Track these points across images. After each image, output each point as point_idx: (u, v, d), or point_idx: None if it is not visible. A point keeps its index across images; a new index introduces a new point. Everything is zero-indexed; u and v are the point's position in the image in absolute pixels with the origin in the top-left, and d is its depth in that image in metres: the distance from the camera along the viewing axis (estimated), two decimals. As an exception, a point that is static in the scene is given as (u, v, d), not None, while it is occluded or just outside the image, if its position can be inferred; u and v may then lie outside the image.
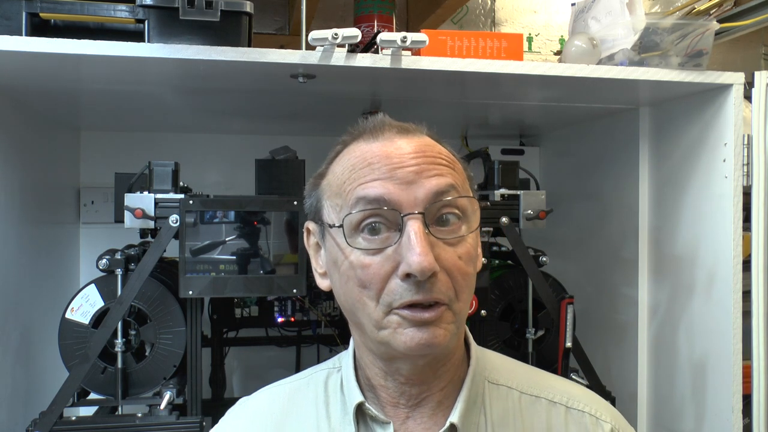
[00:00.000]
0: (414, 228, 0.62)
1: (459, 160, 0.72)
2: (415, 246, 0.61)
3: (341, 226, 0.65)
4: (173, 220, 1.08)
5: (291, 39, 1.74)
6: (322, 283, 0.72)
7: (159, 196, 1.10)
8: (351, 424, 0.70)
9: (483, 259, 1.16)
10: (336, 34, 0.95)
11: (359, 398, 0.70)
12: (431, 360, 0.67)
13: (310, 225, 0.73)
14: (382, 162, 0.65)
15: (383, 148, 0.67)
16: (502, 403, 0.72)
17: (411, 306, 0.63)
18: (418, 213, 0.63)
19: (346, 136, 0.72)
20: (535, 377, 0.77)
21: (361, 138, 0.70)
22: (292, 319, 1.48)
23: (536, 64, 1.07)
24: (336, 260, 0.67)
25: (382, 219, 0.64)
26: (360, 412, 0.70)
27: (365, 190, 0.65)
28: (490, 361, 0.76)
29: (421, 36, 0.98)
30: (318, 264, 0.73)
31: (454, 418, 0.68)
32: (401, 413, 0.70)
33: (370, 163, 0.66)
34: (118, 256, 1.13)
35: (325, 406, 0.73)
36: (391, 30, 1.36)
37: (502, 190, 1.23)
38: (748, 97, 1.13)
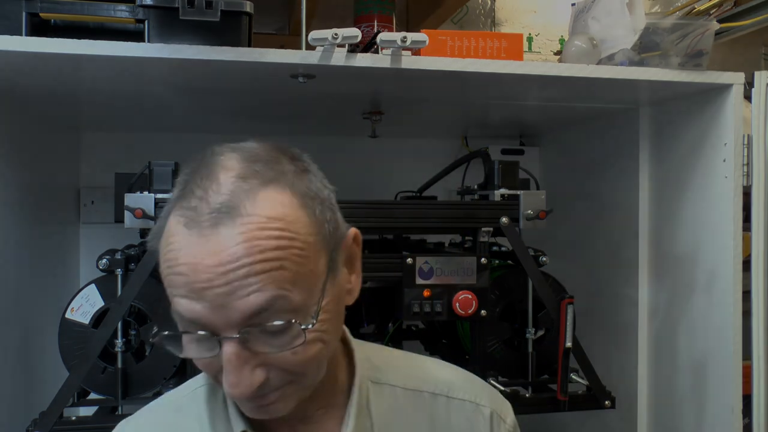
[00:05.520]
0: (227, 353, 0.56)
1: (320, 218, 0.60)
2: (228, 374, 0.57)
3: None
4: (173, 220, 1.08)
5: (291, 39, 1.74)
6: None
7: (159, 196, 1.10)
8: None
9: (483, 258, 1.18)
10: (336, 34, 0.95)
11: (241, 427, 0.68)
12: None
13: None
14: (190, 277, 0.55)
15: (191, 252, 0.56)
16: (386, 402, 0.72)
17: None
18: (232, 338, 0.56)
19: (175, 189, 0.61)
20: (416, 370, 0.76)
21: (178, 210, 0.58)
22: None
23: (536, 64, 1.07)
24: None
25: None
26: None
27: (180, 306, 0.57)
28: (371, 360, 0.74)
29: (421, 36, 0.98)
30: None
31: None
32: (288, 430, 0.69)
33: (179, 272, 0.56)
34: (118, 256, 1.13)
35: (211, 425, 0.71)
36: (391, 30, 1.35)
37: (502, 190, 1.23)
38: (748, 97, 1.14)
